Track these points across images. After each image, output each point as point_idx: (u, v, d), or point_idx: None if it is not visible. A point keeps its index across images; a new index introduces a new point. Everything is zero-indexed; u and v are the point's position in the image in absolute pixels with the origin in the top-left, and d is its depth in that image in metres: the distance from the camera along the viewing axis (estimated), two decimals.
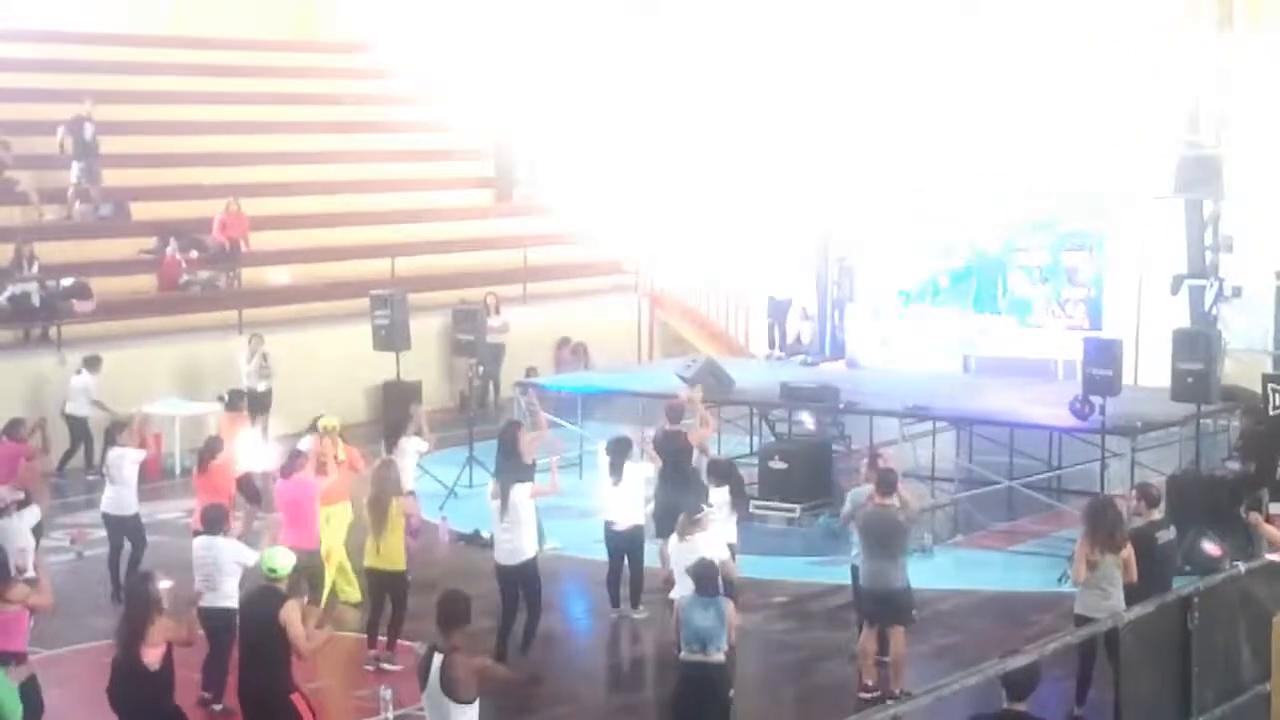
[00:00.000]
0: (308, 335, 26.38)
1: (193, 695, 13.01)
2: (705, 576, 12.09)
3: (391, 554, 14.79)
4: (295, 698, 11.31)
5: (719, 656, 11.96)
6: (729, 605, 12.34)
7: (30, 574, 13.24)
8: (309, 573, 14.52)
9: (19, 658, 11.99)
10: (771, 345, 27.28)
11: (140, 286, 26.70)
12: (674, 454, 17.04)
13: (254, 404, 23.29)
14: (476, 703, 10.12)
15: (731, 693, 12.44)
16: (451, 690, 9.97)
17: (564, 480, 16.52)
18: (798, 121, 29.08)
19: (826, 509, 19.90)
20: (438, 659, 10.06)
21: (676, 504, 14.75)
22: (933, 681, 13.51)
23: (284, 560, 11.86)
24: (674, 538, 13.69)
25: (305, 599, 11.85)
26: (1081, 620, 12.59)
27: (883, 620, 13.87)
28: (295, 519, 15.35)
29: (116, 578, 16.50)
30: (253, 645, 11.53)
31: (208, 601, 13.15)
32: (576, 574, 17.24)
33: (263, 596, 11.66)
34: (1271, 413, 17.66)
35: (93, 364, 22.70)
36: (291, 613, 11.34)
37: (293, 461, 15.75)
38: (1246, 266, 24.04)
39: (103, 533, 17.55)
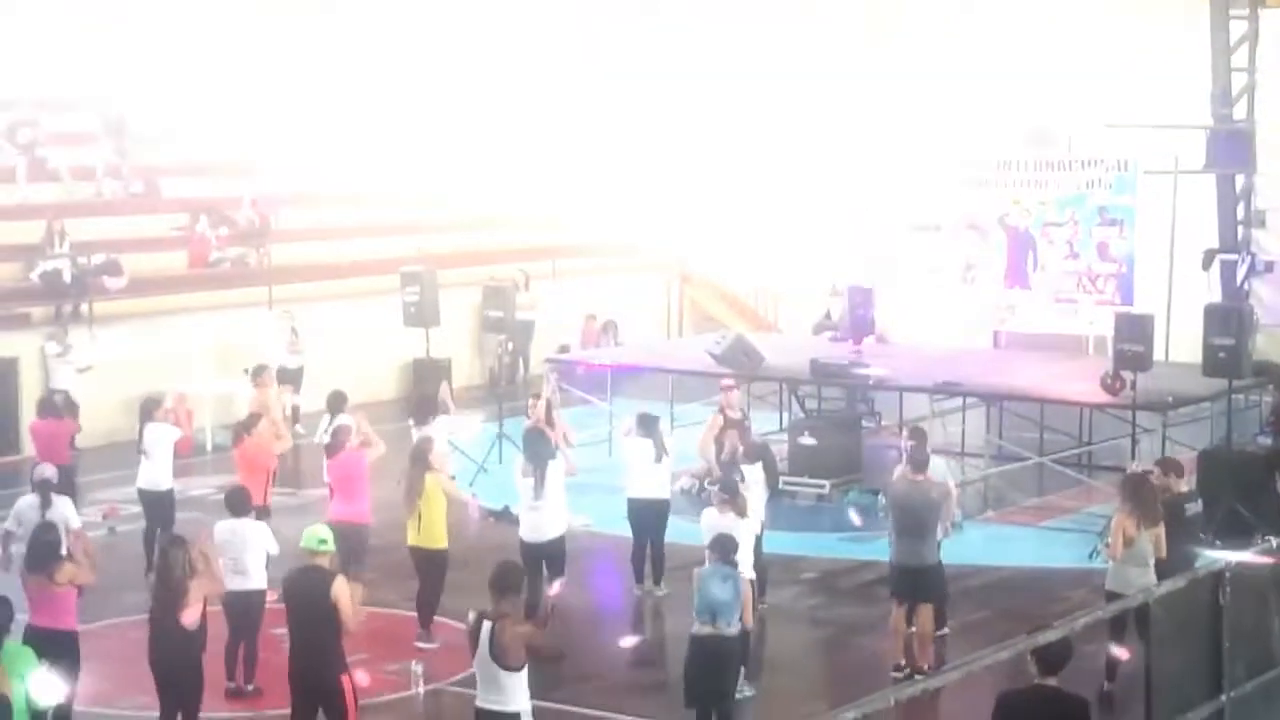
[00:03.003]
0: (338, 312, 26.45)
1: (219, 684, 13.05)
2: (724, 548, 12.11)
3: (432, 531, 14.83)
4: (345, 679, 11.34)
5: (731, 630, 11.99)
6: (746, 583, 12.36)
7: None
8: (356, 547, 14.63)
9: (70, 636, 12.12)
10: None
11: (171, 263, 26.81)
12: None
13: (284, 380, 23.40)
14: (525, 670, 10.26)
15: (743, 669, 12.48)
16: (501, 657, 10.16)
17: (593, 456, 16.56)
18: (827, 99, 29.03)
19: (856, 485, 19.92)
20: (487, 626, 10.23)
21: None
22: (963, 657, 13.67)
23: (324, 538, 11.76)
24: (711, 510, 13.73)
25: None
26: (1113, 596, 12.59)
27: (913, 597, 13.89)
28: (347, 493, 15.42)
29: (151, 554, 16.59)
30: (304, 625, 11.43)
31: (236, 585, 13.14)
32: (603, 550, 17.26)
33: (310, 576, 11.57)
34: None
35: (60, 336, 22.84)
36: (342, 589, 11.36)
37: (339, 437, 15.80)
38: (1279, 241, 23.93)
39: (136, 508, 17.65)
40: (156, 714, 12.09)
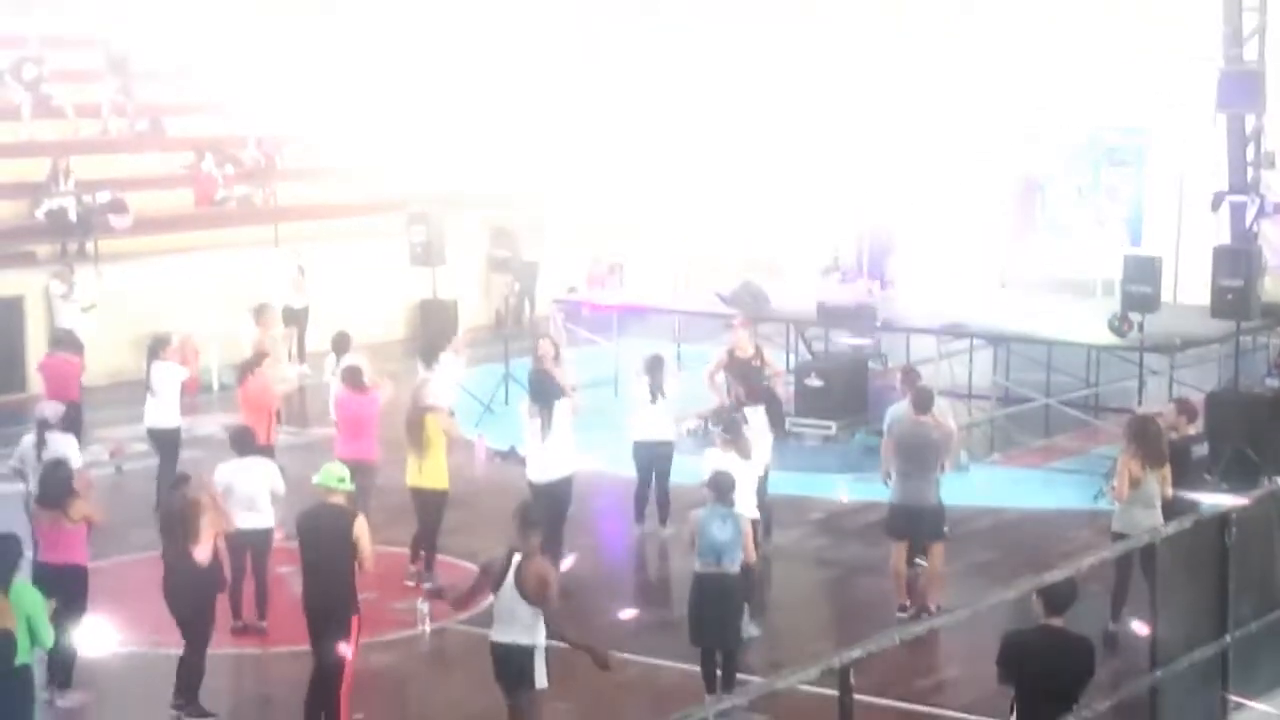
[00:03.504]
0: (344, 251, 26.41)
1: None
2: (721, 487, 12.14)
3: (433, 472, 14.85)
4: (355, 619, 11.36)
5: (734, 568, 12.04)
6: (746, 521, 12.39)
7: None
8: (363, 486, 14.66)
9: (81, 571, 12.18)
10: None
11: (177, 202, 26.76)
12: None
13: (289, 320, 23.41)
14: (542, 611, 10.29)
15: (747, 607, 12.56)
16: (525, 589, 10.22)
17: (600, 397, 16.54)
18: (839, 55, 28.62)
19: (863, 426, 19.92)
20: (516, 559, 10.27)
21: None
22: (970, 597, 13.70)
23: (339, 476, 11.71)
24: (714, 450, 13.72)
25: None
26: (1118, 537, 12.62)
27: (913, 536, 13.92)
28: (354, 432, 15.44)
29: (161, 491, 16.64)
30: (320, 562, 11.42)
31: (243, 524, 13.13)
32: (609, 490, 17.29)
33: (329, 513, 11.57)
34: None
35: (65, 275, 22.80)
36: (363, 529, 11.40)
37: (353, 377, 15.80)
38: None
39: (143, 446, 17.69)
40: (168, 651, 12.16)
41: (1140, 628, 8.61)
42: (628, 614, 13.66)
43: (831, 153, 27.93)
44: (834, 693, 6.48)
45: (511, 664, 10.43)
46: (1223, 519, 8.67)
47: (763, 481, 14.89)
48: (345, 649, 11.25)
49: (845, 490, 16.84)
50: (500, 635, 10.49)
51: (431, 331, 21.76)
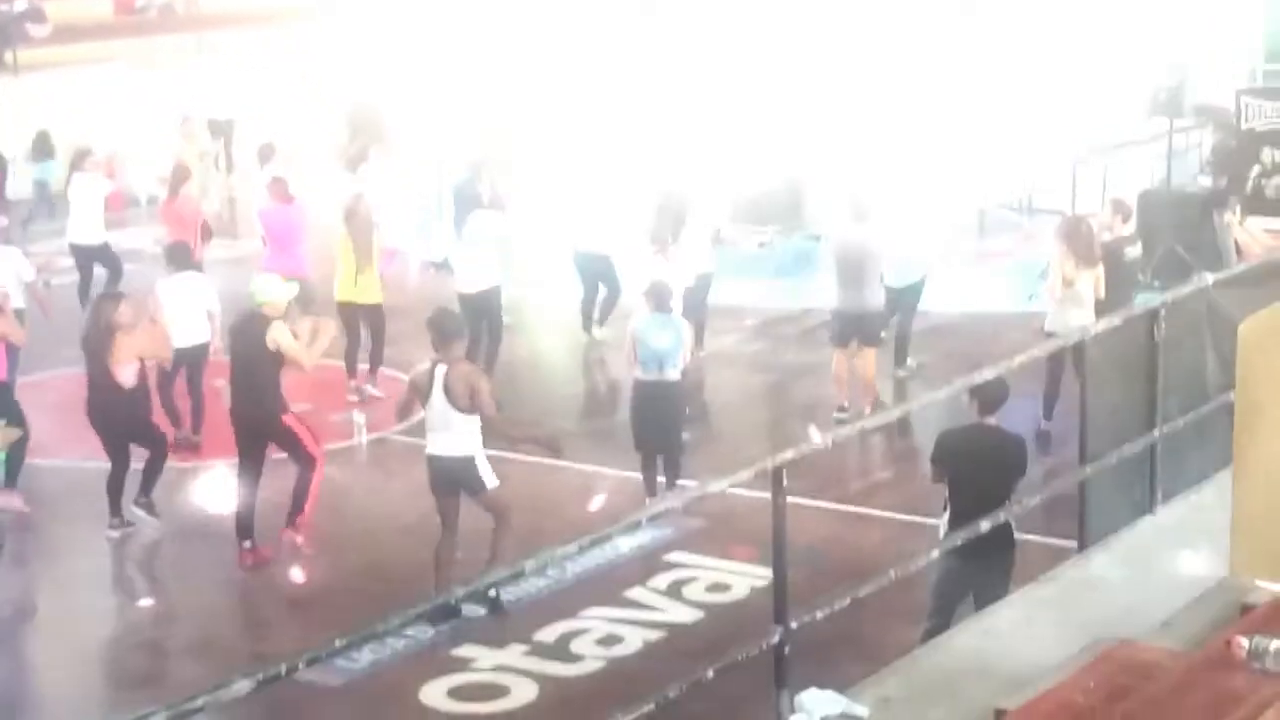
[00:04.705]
0: (268, 59, 25.87)
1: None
2: (660, 296, 12.13)
3: (369, 287, 14.73)
4: (288, 419, 11.39)
5: (675, 375, 12.09)
6: (685, 325, 12.44)
7: None
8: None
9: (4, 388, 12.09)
10: None
11: (96, 10, 26.12)
12: None
13: (215, 131, 23.03)
14: (478, 417, 10.30)
15: (687, 409, 12.67)
16: (456, 399, 10.24)
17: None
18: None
19: (797, 232, 19.89)
20: (441, 370, 10.23)
21: None
22: (905, 399, 13.83)
23: (272, 289, 11.62)
24: (646, 257, 13.73)
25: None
26: (1051, 337, 12.70)
27: (855, 339, 14.01)
28: (282, 245, 15.26)
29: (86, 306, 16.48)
30: (242, 371, 11.46)
31: (181, 341, 13.00)
32: (550, 304, 17.25)
33: (250, 322, 11.53)
34: (1244, 127, 17.58)
35: None
36: (279, 332, 11.29)
37: (279, 187, 15.56)
38: None
39: (69, 262, 17.46)
40: (97, 464, 12.14)
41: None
42: (566, 423, 13.72)
43: None
44: (768, 496, 6.52)
45: (455, 474, 10.46)
46: (1152, 315, 8.71)
47: (702, 288, 14.99)
48: (299, 438, 11.29)
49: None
50: (436, 448, 10.51)
51: (359, 143, 21.44)
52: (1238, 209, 15.88)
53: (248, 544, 11.36)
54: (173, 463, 12.70)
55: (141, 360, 11.88)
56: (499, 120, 21.74)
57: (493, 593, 10.37)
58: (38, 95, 22.95)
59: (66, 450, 13.00)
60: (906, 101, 21.07)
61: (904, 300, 14.91)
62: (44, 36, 24.30)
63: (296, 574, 11.50)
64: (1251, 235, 15.28)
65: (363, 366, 14.84)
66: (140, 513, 11.92)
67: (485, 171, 16.42)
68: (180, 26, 26.01)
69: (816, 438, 6.92)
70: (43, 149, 17.42)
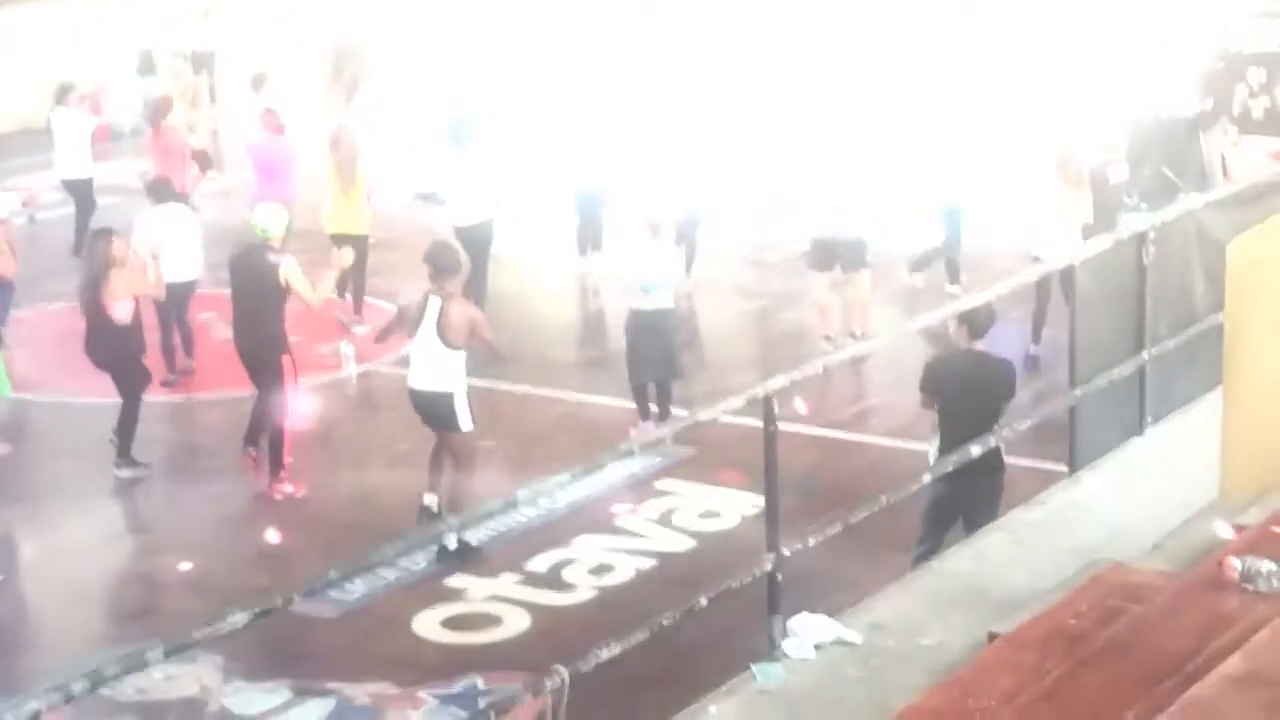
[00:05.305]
0: None
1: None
2: (657, 225, 12.12)
3: (356, 218, 14.68)
4: (285, 360, 11.35)
5: (669, 303, 12.11)
6: (678, 253, 12.48)
7: None
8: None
9: None
10: None
11: None
12: None
13: (198, 64, 22.87)
14: (463, 354, 10.29)
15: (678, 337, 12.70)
16: (446, 334, 10.22)
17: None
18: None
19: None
20: (434, 303, 10.20)
21: None
22: (893, 325, 13.84)
23: (274, 219, 11.62)
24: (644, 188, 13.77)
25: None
26: (1039, 262, 12.70)
27: (839, 265, 13.98)
28: (270, 177, 15.19)
29: (82, 240, 16.45)
30: (248, 303, 11.39)
31: (168, 276, 12.89)
32: (537, 235, 17.20)
33: (257, 254, 11.44)
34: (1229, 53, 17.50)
35: None
36: (293, 269, 11.27)
37: (271, 118, 15.47)
38: None
39: (56, 196, 17.39)
40: (89, 400, 12.12)
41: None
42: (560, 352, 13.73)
43: None
44: (759, 423, 6.53)
45: (433, 409, 10.46)
46: (1140, 238, 8.71)
47: (692, 220, 15.01)
48: (281, 379, 11.28)
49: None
50: (418, 382, 10.50)
51: (346, 75, 21.32)
52: (1233, 130, 15.84)
53: (252, 450, 11.38)
54: (165, 397, 12.68)
55: (135, 300, 11.84)
56: (495, 54, 21.63)
57: (456, 542, 10.21)
58: (20, 29, 22.74)
59: (55, 386, 12.97)
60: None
61: (950, 222, 15.05)
62: None
63: (291, 507, 11.48)
64: (1243, 155, 15.24)
65: (346, 298, 14.79)
66: (127, 472, 11.84)
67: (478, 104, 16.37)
68: None
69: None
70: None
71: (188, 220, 13.55)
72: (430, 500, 10.42)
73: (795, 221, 15.04)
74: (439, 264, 10.46)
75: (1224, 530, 6.76)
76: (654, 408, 12.06)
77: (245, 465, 11.42)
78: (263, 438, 11.36)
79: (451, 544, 10.11)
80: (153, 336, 12.71)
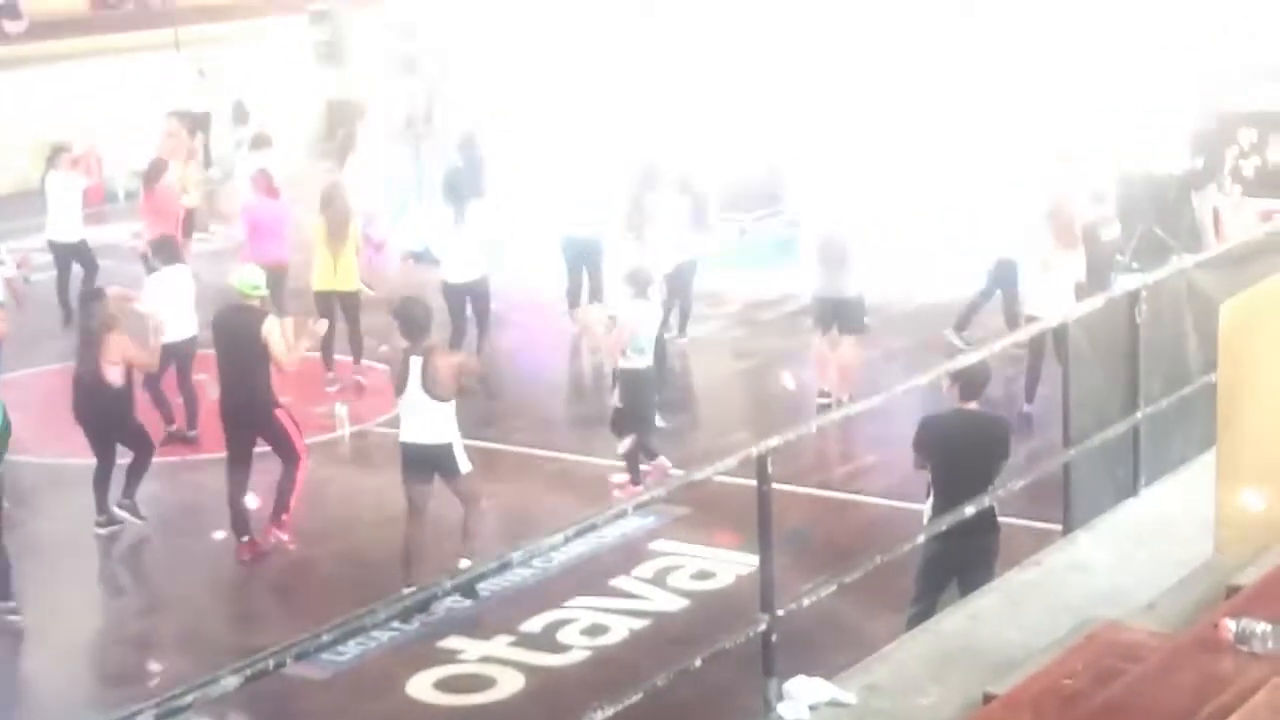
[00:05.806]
0: (247, 53, 25.76)
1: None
2: (639, 281, 12.19)
3: (347, 274, 14.72)
4: (280, 413, 11.37)
5: (646, 361, 12.19)
6: (659, 312, 12.63)
7: None
8: (272, 289, 14.49)
9: None
10: None
11: (72, 5, 26.00)
12: None
13: (192, 125, 22.90)
14: (454, 403, 10.33)
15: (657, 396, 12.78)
16: (434, 389, 10.25)
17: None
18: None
19: (778, 215, 19.89)
20: (416, 361, 10.22)
21: None
22: (885, 385, 13.81)
23: (260, 280, 11.71)
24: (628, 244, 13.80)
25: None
26: (1032, 320, 12.72)
27: (836, 326, 13.99)
28: (264, 235, 15.23)
29: (66, 303, 16.42)
30: (234, 363, 11.45)
31: (168, 336, 12.89)
32: (535, 288, 17.21)
33: (240, 314, 11.54)
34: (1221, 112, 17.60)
35: None
36: (273, 328, 11.33)
37: (264, 180, 15.53)
38: None
39: (48, 258, 17.39)
40: (79, 461, 12.08)
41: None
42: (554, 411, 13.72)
43: None
44: (753, 482, 6.52)
45: (429, 462, 10.47)
46: (1133, 297, 8.72)
47: (688, 272, 15.09)
48: (289, 433, 11.29)
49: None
50: (412, 436, 10.52)
51: (340, 133, 21.37)
52: (1236, 189, 15.93)
53: (245, 538, 11.34)
54: (163, 458, 12.66)
55: (129, 363, 11.80)
56: (484, 107, 21.70)
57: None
58: (15, 93, 22.84)
59: (48, 448, 12.93)
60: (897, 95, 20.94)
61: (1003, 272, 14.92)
62: (20, 32, 24.17)
63: (283, 568, 11.45)
64: (1244, 213, 15.32)
65: (343, 358, 14.80)
66: (124, 514, 11.86)
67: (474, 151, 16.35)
68: (156, 21, 25.86)
69: (790, 384, 6.91)
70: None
71: (189, 281, 13.56)
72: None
73: (792, 276, 15.04)
74: (408, 320, 10.54)
75: (1217, 590, 6.74)
76: (644, 466, 12.07)
77: (240, 555, 11.36)
78: (246, 515, 11.32)
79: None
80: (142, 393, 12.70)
